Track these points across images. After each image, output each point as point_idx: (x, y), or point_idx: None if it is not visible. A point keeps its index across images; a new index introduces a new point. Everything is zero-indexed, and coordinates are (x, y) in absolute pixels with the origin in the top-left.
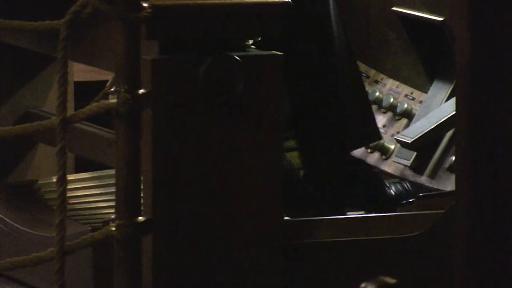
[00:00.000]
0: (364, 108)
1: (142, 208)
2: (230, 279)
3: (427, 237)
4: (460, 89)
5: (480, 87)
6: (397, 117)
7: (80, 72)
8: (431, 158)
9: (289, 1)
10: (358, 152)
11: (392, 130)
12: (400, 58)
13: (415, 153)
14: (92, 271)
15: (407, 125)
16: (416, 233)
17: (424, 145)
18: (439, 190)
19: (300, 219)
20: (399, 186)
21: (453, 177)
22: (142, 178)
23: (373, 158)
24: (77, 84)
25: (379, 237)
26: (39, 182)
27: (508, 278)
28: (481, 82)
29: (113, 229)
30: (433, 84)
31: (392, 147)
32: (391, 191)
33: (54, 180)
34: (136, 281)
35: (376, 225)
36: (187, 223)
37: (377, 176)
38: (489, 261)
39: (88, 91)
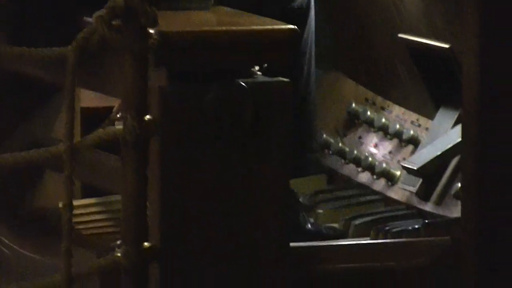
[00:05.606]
0: None
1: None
2: None
3: (435, 264)
4: (466, 116)
5: (486, 115)
6: (403, 144)
7: (87, 98)
8: (437, 184)
9: (295, 28)
10: (364, 179)
11: (398, 157)
12: (407, 85)
13: (421, 180)
14: None
15: (413, 152)
16: (424, 261)
17: (430, 172)
18: (444, 216)
19: (306, 244)
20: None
21: (459, 204)
22: (148, 204)
23: (379, 184)
24: (84, 110)
25: (387, 263)
26: (47, 208)
27: None
28: (487, 109)
29: (119, 255)
30: (439, 111)
31: (398, 173)
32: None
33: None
34: None
35: (383, 251)
36: (194, 250)
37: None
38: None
39: (95, 117)
